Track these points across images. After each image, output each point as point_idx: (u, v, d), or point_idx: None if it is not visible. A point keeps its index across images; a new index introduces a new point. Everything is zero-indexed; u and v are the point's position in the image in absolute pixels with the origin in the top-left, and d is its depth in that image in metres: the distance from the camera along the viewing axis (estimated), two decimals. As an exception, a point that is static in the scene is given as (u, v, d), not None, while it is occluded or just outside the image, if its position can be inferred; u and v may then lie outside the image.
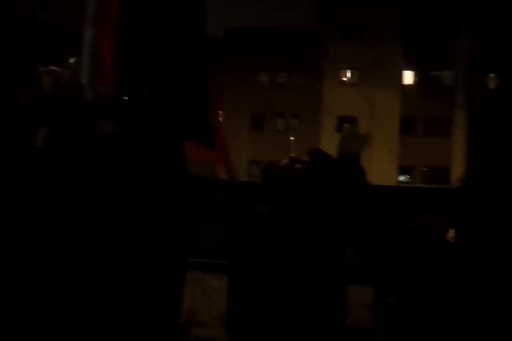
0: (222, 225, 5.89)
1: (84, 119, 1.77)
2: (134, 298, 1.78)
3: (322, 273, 2.64)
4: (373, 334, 3.72)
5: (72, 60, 2.22)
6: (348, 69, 23.85)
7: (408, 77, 24.01)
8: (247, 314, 2.87)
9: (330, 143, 2.96)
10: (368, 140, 1.78)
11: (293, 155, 3.31)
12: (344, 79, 23.99)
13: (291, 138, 3.61)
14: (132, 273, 1.79)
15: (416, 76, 23.96)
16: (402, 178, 22.99)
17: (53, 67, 1.90)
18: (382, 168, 20.86)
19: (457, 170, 21.29)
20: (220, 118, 3.16)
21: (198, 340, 3.90)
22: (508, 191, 1.32)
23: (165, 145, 1.91)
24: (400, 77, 23.69)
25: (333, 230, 2.57)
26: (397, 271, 1.43)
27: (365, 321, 3.99)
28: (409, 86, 23.87)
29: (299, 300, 2.59)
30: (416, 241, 1.49)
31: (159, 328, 1.87)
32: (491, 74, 22.51)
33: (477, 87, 22.02)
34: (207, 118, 2.82)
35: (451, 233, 3.88)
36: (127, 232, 1.79)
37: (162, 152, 1.90)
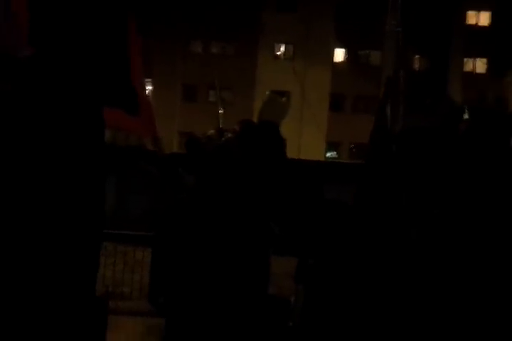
0: (149, 197, 5.79)
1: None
2: (42, 269, 1.69)
3: (246, 243, 2.64)
4: (293, 301, 3.84)
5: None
6: (283, 43, 23.87)
7: (339, 55, 24.46)
8: (170, 285, 2.84)
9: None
10: (288, 108, 1.74)
11: (221, 127, 3.26)
12: (278, 53, 24.01)
13: (220, 110, 3.56)
14: (40, 244, 1.69)
15: (347, 54, 24.46)
16: (329, 154, 23.68)
17: None
18: (311, 144, 21.34)
19: (381, 147, 22.19)
20: (147, 87, 3.02)
21: (119, 312, 3.85)
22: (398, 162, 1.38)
23: (72, 109, 1.78)
24: (331, 54, 24.08)
25: (257, 200, 2.57)
26: (317, 237, 1.47)
27: (289, 290, 4.11)
28: (339, 63, 24.34)
29: (222, 270, 2.59)
30: (334, 211, 1.51)
31: (73, 301, 1.80)
32: (417, 56, 23.44)
33: (402, 67, 22.84)
34: (130, 83, 2.68)
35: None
36: (31, 201, 1.68)
37: (68, 116, 1.77)
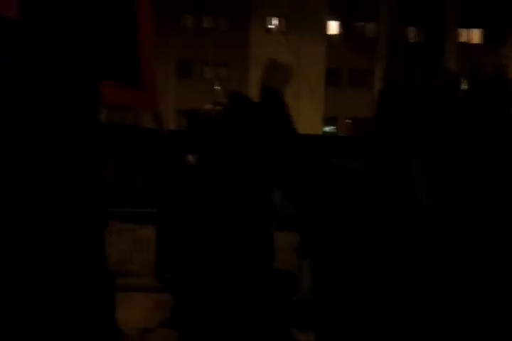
0: (150, 175, 5.79)
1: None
2: (50, 249, 1.69)
3: (249, 218, 2.65)
4: (299, 276, 3.90)
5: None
6: (274, 16, 23.45)
7: (333, 28, 24.07)
8: (176, 262, 2.87)
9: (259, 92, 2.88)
10: (291, 73, 1.67)
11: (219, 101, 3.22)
12: (270, 26, 23.61)
13: (216, 87, 3.50)
14: (45, 225, 1.69)
15: (341, 26, 24.07)
16: (327, 129, 23.58)
17: None
18: (308, 119, 21.21)
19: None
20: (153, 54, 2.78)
21: (127, 289, 3.90)
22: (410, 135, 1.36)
23: (66, 82, 1.69)
24: (325, 26, 23.70)
25: (259, 172, 2.57)
26: (324, 208, 1.45)
27: (291, 265, 4.17)
28: (334, 36, 23.99)
29: (227, 246, 2.60)
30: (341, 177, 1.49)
31: (83, 279, 1.81)
32: (412, 27, 23.08)
33: (398, 39, 22.58)
34: (135, 54, 2.51)
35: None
36: (32, 183, 1.66)
37: (62, 89, 1.67)
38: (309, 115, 21.39)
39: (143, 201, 5.45)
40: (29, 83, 1.64)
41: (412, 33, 23.30)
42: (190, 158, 2.81)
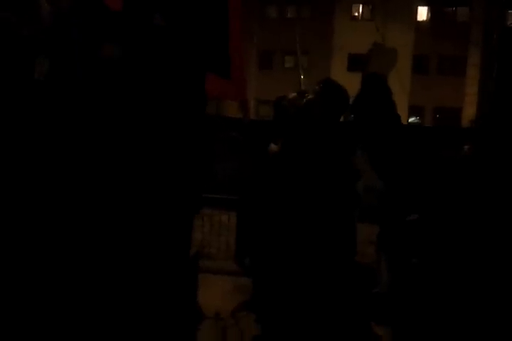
0: (234, 162, 5.91)
1: (88, 45, 1.67)
2: (146, 233, 1.78)
3: (333, 208, 2.62)
4: (377, 269, 3.81)
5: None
6: (360, 3, 22.78)
7: (422, 13, 22.97)
8: (256, 248, 2.92)
9: (341, 82, 2.81)
10: (397, 57, 1.59)
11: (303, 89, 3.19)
12: (356, 14, 22.99)
13: (302, 76, 3.46)
14: (145, 210, 1.78)
15: (430, 12, 22.91)
16: (411, 119, 22.66)
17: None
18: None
19: (469, 111, 20.90)
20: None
21: (206, 271, 4.04)
22: None
23: (180, 75, 1.76)
24: (413, 12, 22.67)
25: (345, 163, 2.52)
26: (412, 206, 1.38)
27: (371, 257, 4.09)
28: (422, 22, 22.89)
29: (309, 235, 2.59)
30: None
31: (170, 260, 1.89)
32: (509, 11, 21.44)
33: (494, 24, 21.09)
34: (226, 45, 2.57)
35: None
36: (139, 170, 1.75)
37: (177, 84, 1.76)
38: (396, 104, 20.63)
39: (223, 188, 5.58)
40: (141, 74, 1.73)
41: (508, 17, 21.65)
42: (273, 147, 2.83)
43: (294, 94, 2.86)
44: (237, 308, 3.74)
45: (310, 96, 2.69)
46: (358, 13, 22.98)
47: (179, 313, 2.00)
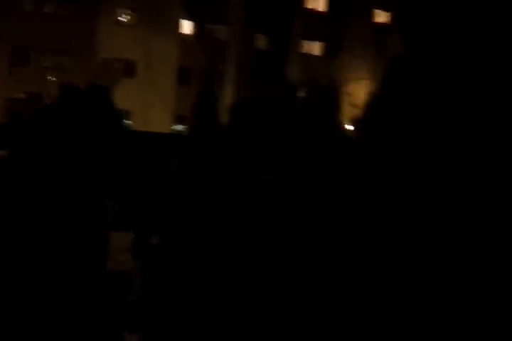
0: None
1: None
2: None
3: (78, 219, 2.57)
4: (132, 275, 3.83)
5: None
6: (125, 8, 22.72)
7: (187, 27, 24.15)
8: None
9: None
10: (121, 76, 1.67)
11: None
12: (120, 18, 22.81)
13: (49, 77, 3.26)
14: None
15: (194, 27, 24.26)
16: (178, 127, 23.51)
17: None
18: (157, 117, 20.96)
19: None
20: None
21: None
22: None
23: None
24: (177, 25, 23.66)
25: (86, 174, 2.48)
26: (160, 213, 1.46)
27: (127, 265, 4.07)
28: (187, 36, 24.06)
29: (58, 246, 2.49)
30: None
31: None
32: (261, 35, 24.23)
33: (247, 45, 23.51)
34: None
35: None
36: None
37: None
38: (158, 113, 21.14)
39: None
40: None
41: (260, 40, 24.44)
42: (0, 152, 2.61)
43: (22, 95, 2.71)
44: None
45: (45, 103, 2.58)
46: (123, 17, 22.85)
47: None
